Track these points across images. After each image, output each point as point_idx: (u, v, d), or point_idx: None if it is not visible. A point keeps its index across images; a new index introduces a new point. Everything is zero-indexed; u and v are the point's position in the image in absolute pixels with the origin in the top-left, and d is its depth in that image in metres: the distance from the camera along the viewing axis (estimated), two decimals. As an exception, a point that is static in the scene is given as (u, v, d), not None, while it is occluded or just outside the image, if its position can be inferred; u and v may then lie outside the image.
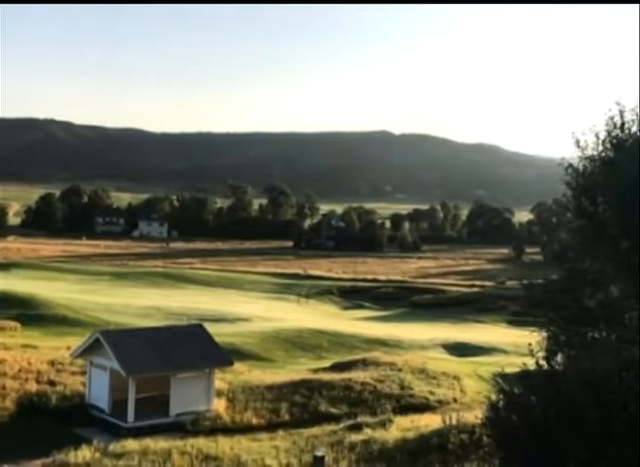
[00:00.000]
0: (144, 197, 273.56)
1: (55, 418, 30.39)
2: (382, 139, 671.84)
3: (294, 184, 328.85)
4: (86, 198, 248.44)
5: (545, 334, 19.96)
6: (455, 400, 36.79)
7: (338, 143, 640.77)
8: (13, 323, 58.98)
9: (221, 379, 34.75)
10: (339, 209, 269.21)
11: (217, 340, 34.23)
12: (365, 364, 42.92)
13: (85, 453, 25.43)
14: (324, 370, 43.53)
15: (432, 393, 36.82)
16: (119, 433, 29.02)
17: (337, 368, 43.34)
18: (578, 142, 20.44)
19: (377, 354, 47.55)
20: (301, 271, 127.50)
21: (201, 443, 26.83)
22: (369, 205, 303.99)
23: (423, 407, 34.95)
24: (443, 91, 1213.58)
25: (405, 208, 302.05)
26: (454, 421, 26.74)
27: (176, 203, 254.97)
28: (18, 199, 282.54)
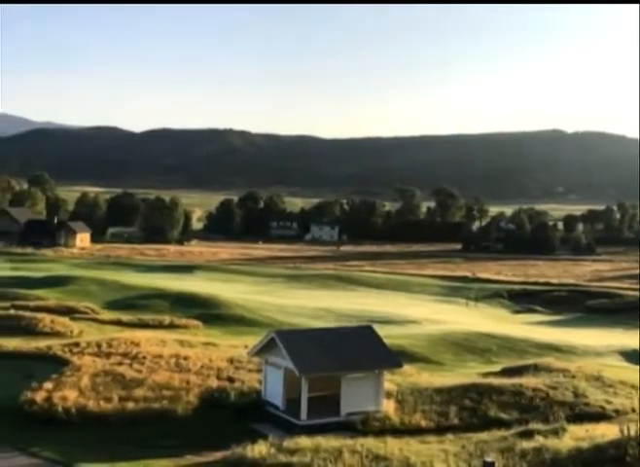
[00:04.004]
0: (315, 201, 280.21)
1: (234, 413, 31.65)
2: (554, 138, 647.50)
3: (462, 186, 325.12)
4: (261, 204, 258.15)
5: None
6: (634, 410, 34.95)
7: (508, 143, 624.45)
8: (196, 322, 62.71)
9: (389, 381, 35.05)
10: (509, 211, 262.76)
11: (385, 341, 34.60)
12: (536, 369, 41.74)
13: (261, 448, 26.36)
14: (493, 374, 42.82)
15: (608, 402, 35.24)
16: (292, 430, 29.90)
17: (506, 373, 42.50)
18: None
19: (549, 360, 46.08)
20: (469, 274, 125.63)
21: (371, 443, 27.10)
22: (540, 207, 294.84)
23: (599, 416, 33.52)
24: (620, 87, 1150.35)
25: (578, 209, 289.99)
26: (633, 432, 25.50)
27: (346, 207, 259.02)
28: (201, 206, 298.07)
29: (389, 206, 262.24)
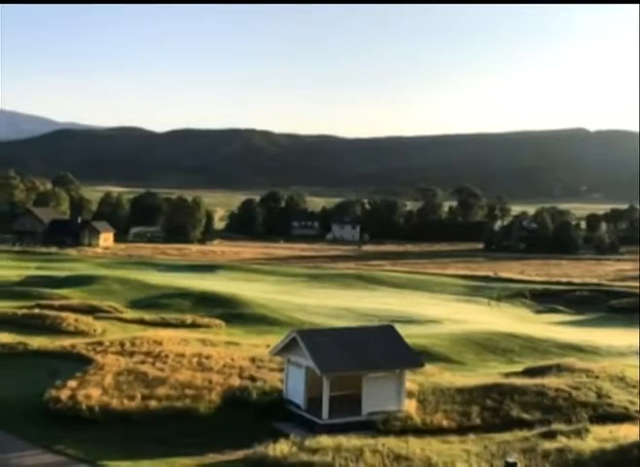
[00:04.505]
0: (337, 200, 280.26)
1: (256, 412, 31.76)
2: (577, 137, 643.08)
3: (484, 185, 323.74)
4: (283, 203, 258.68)
5: None
6: (658, 411, 34.71)
7: (530, 143, 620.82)
8: (218, 321, 62.98)
9: (411, 381, 35.00)
10: (532, 210, 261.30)
11: (407, 341, 34.56)
12: (559, 370, 41.51)
13: (282, 447, 26.51)
14: (516, 374, 42.63)
15: (632, 403, 34.89)
16: (313, 429, 29.98)
17: (529, 373, 42.28)
18: None
19: (572, 360, 45.78)
20: (491, 274, 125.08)
21: (392, 442, 27.12)
22: (562, 206, 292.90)
23: (622, 417, 33.21)
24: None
25: (601, 208, 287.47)
26: (657, 433, 25.40)
27: (367, 207, 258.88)
28: (223, 205, 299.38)
29: (411, 206, 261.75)
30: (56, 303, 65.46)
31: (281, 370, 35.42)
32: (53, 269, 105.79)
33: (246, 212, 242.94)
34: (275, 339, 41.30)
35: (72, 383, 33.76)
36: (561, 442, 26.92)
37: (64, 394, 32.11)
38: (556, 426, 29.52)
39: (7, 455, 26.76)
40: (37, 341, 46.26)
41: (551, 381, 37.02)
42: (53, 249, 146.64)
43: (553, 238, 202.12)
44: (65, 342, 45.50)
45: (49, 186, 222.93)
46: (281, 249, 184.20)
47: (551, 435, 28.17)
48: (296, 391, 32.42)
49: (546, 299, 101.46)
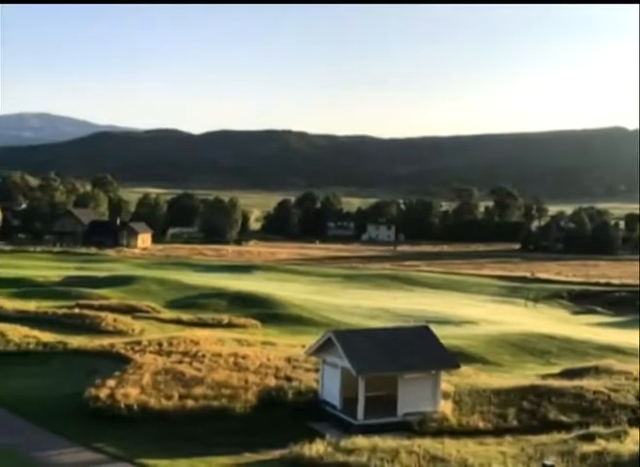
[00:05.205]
0: (372, 201, 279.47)
1: (291, 412, 31.94)
2: (615, 136, 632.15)
3: (521, 185, 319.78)
4: (318, 204, 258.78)
5: None
6: (699, 414, 34.08)
7: (567, 142, 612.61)
8: (254, 321, 63.38)
9: (447, 382, 34.87)
10: (569, 210, 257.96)
11: (442, 342, 34.45)
12: (597, 371, 41.05)
13: (318, 447, 26.63)
14: (553, 376, 42.23)
15: (673, 406, 34.42)
16: (349, 429, 30.02)
17: (566, 374, 41.86)
18: None
19: (611, 362, 45.15)
20: (528, 274, 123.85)
21: (428, 444, 27.10)
22: (601, 205, 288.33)
23: (662, 420, 32.82)
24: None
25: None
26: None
27: (403, 207, 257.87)
28: (259, 206, 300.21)
29: (446, 206, 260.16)
30: (96, 302, 66.49)
31: (317, 370, 35.53)
32: (93, 269, 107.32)
33: (282, 213, 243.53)
34: (311, 339, 41.40)
35: (111, 382, 34.29)
36: (600, 445, 26.64)
37: (103, 393, 32.63)
38: (595, 429, 29.23)
39: (47, 453, 27.29)
40: (77, 341, 47.02)
41: (589, 383, 36.60)
42: (93, 250, 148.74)
43: (592, 239, 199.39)
44: (104, 342, 46.18)
45: (88, 187, 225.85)
46: (316, 250, 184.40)
47: (589, 438, 27.91)
48: (331, 391, 32.48)
49: (584, 300, 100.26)
